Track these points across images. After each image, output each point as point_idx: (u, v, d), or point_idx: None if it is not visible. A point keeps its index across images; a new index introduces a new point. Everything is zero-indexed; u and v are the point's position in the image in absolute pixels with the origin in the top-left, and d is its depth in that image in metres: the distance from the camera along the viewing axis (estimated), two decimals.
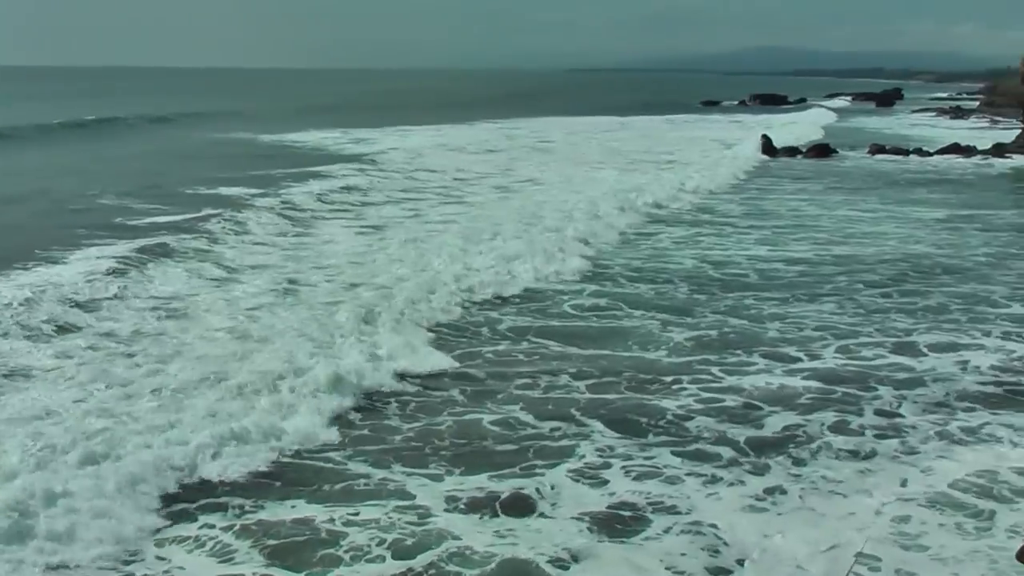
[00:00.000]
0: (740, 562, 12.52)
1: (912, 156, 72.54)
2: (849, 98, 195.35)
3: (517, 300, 26.20)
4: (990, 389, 19.60)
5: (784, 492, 14.63)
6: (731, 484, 14.91)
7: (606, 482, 14.92)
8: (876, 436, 17.00)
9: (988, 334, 23.50)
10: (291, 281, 27.01)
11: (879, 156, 72.21)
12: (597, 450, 16.13)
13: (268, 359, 19.15)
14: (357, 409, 17.71)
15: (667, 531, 13.37)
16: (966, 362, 21.32)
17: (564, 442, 16.44)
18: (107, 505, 13.05)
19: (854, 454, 16.17)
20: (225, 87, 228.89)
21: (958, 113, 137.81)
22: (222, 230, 34.20)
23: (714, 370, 20.47)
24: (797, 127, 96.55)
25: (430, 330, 22.72)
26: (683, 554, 12.72)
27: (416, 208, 41.90)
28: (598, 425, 17.28)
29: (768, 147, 70.88)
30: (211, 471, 14.64)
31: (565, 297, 26.58)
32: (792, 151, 71.92)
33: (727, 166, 60.06)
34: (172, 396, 17.09)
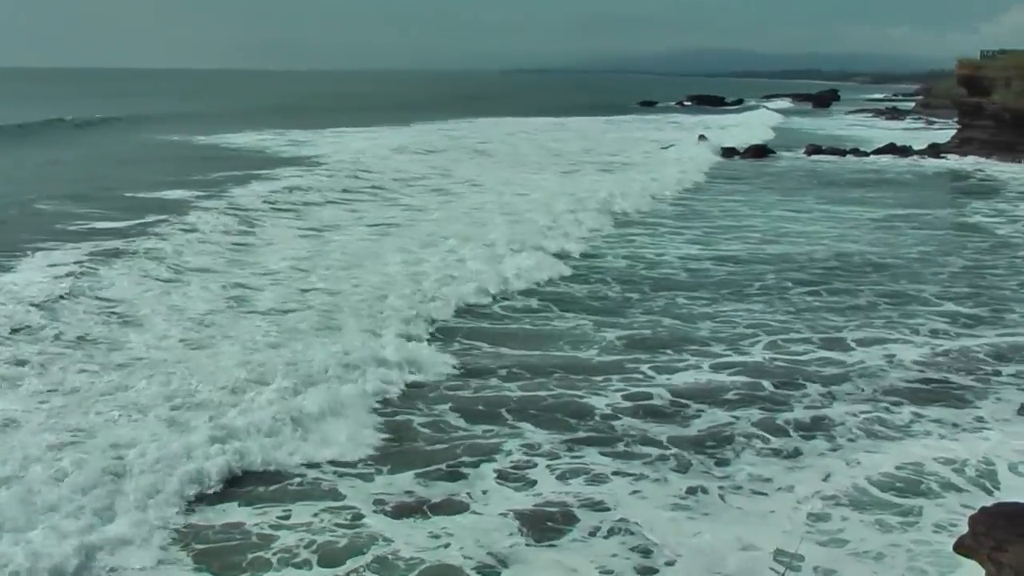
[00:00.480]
0: (669, 564, 12.54)
1: (849, 156, 73.63)
2: (789, 99, 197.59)
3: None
4: (917, 384, 19.90)
5: (706, 491, 14.71)
6: (657, 482, 14.98)
7: (534, 482, 14.93)
8: (802, 433, 17.20)
9: (917, 331, 23.87)
10: (239, 286, 26.52)
11: (816, 156, 73.15)
12: (526, 449, 16.15)
13: (218, 367, 18.98)
14: None
15: (595, 532, 13.38)
16: (893, 357, 21.68)
17: (493, 441, 16.45)
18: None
19: (778, 451, 16.33)
20: (168, 89, 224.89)
21: (894, 114, 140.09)
22: (170, 234, 33.10)
23: (644, 368, 20.54)
24: (745, 129, 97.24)
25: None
26: (613, 555, 12.76)
27: (357, 211, 41.52)
28: (528, 425, 17.30)
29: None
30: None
31: (497, 299, 26.52)
32: (731, 152, 72.58)
33: (671, 167, 60.28)
34: (127, 406, 16.83)
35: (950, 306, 26.52)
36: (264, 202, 41.71)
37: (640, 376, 20.07)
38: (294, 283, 27.01)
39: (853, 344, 22.60)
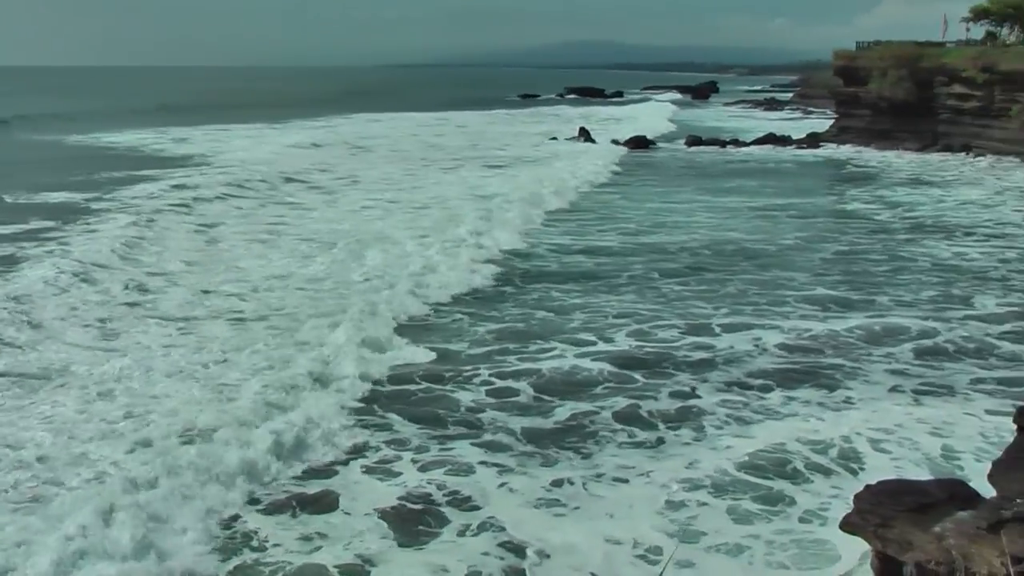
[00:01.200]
0: (536, 564, 12.39)
1: (729, 147, 74.76)
2: (676, 91, 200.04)
3: None
4: (784, 368, 20.20)
5: (572, 483, 14.63)
6: (524, 475, 14.85)
7: (401, 475, 14.79)
8: (668, 422, 17.25)
9: (786, 316, 24.25)
10: (139, 288, 26.04)
11: (696, 147, 74.20)
12: (394, 443, 15.98)
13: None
14: None
15: (464, 531, 13.22)
16: (760, 341, 22.01)
17: (361, 439, 16.20)
18: None
19: (642, 442, 16.33)
20: (44, 87, 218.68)
21: (773, 105, 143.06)
22: (62, 237, 32.27)
23: (512, 359, 20.49)
24: (639, 120, 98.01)
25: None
26: (484, 553, 12.58)
27: (243, 208, 40.73)
28: (396, 418, 17.14)
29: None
30: None
31: None
32: (615, 143, 73.22)
33: (562, 161, 60.49)
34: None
35: (820, 291, 27.02)
36: (153, 202, 40.65)
37: (509, 368, 19.99)
38: (195, 282, 27.01)
39: (720, 331, 22.84)
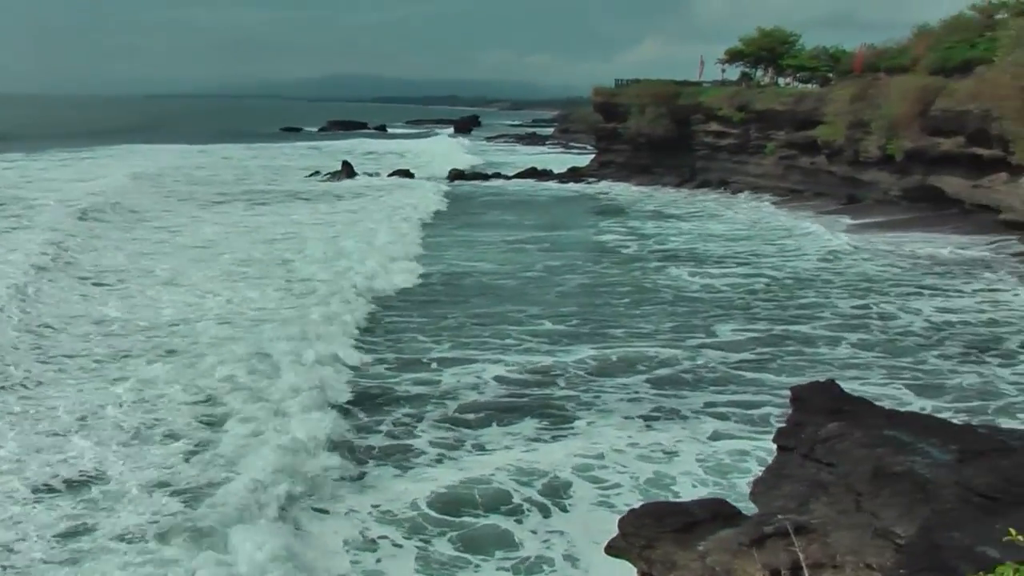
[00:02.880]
0: None
1: (492, 180, 75.47)
2: (439, 125, 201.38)
3: None
4: (505, 400, 20.22)
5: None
6: None
7: None
8: (377, 458, 16.97)
9: (507, 350, 24.29)
10: None
11: (458, 181, 74.51)
12: None
13: None
14: None
15: None
16: (482, 374, 21.95)
17: None
18: None
19: (350, 476, 16.04)
20: None
21: (535, 139, 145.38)
22: None
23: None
24: (408, 157, 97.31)
25: None
26: None
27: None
28: None
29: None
30: None
31: None
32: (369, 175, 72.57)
33: (345, 204, 59.07)
34: None
35: (548, 324, 27.17)
36: None
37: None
38: None
39: (437, 365, 22.69)
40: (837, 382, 11.48)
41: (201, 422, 17.99)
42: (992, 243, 41.87)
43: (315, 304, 28.00)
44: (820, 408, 10.41)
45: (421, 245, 41.33)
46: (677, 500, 12.25)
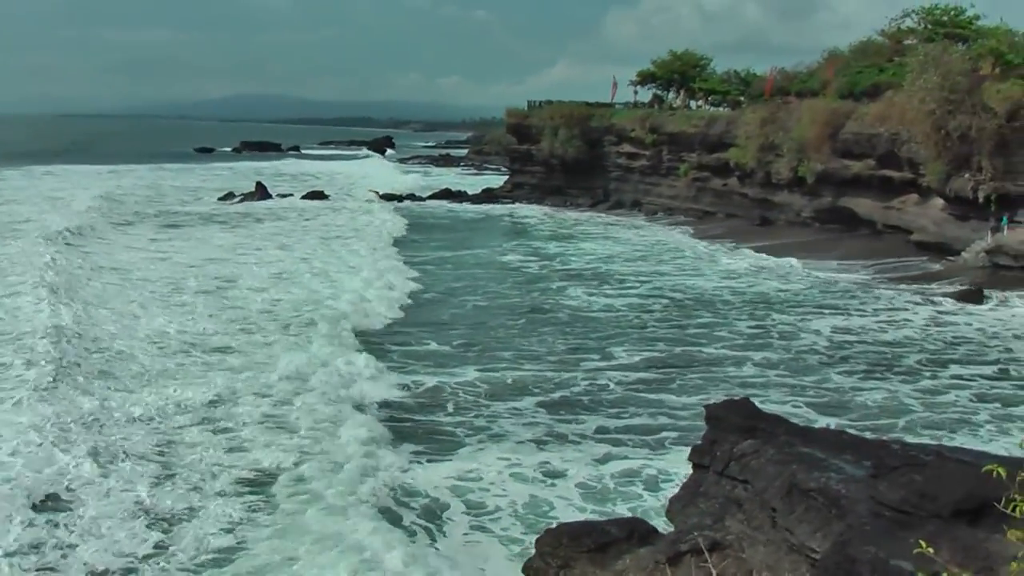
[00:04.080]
0: None
1: (406, 202, 74.87)
2: (352, 146, 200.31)
3: None
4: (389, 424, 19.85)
5: None
6: None
7: None
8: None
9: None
10: None
11: (376, 203, 73.26)
12: None
13: None
14: None
15: None
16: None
17: None
18: None
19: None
20: None
21: (448, 161, 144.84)
22: None
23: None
24: (323, 179, 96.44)
25: None
26: None
27: None
28: None
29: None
30: None
31: None
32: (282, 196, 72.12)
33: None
34: None
35: (433, 345, 26.78)
36: None
37: None
38: None
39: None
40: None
41: None
42: (899, 263, 42.59)
43: None
44: (734, 426, 10.21)
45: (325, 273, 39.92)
46: (594, 520, 12.09)
